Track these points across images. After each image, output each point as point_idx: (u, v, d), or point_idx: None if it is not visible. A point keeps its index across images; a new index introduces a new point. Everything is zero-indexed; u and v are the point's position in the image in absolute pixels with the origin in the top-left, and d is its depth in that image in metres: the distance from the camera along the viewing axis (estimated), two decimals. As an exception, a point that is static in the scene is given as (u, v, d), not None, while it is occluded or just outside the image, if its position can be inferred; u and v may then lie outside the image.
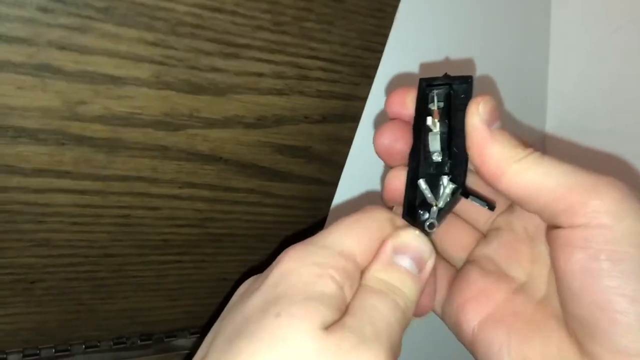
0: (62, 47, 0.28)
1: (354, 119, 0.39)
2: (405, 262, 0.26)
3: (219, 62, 0.32)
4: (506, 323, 0.27)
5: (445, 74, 0.28)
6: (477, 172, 0.27)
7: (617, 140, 0.47)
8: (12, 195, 0.30)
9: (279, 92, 0.35)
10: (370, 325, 0.23)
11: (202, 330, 0.42)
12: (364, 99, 0.39)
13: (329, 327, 0.22)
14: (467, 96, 0.27)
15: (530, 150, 0.26)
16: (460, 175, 0.27)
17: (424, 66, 0.42)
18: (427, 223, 0.27)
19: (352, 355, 0.21)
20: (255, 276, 0.27)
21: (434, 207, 0.27)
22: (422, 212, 0.28)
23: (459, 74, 0.28)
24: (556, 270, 0.25)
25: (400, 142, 0.29)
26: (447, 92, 0.28)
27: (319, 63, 0.36)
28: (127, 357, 0.38)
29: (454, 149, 0.27)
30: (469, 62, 0.45)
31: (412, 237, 0.26)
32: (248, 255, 0.40)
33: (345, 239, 0.25)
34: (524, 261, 0.29)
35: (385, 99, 0.30)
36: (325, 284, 0.23)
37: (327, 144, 0.39)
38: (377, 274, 0.25)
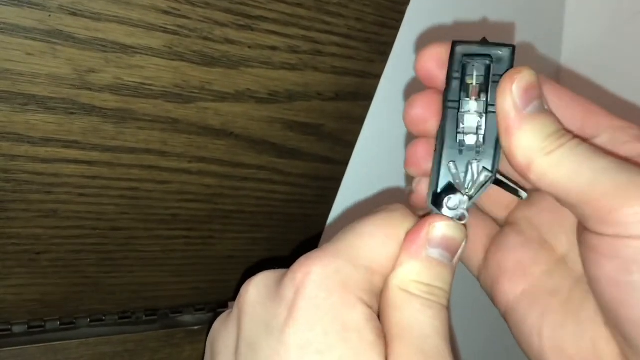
0: (73, 13, 0.27)
1: (367, 97, 0.39)
2: (440, 254, 0.24)
3: (233, 34, 0.32)
4: (541, 303, 0.26)
5: (483, 38, 0.25)
6: (508, 161, 0.25)
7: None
8: (19, 164, 0.30)
9: (293, 67, 0.34)
10: (423, 350, 0.22)
11: (207, 307, 0.42)
12: (378, 77, 0.38)
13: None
14: (507, 68, 0.24)
15: (565, 138, 0.23)
16: (493, 160, 0.25)
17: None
18: (458, 214, 0.25)
19: None
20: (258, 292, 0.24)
21: (464, 196, 0.25)
22: (448, 199, 0.25)
23: (499, 41, 0.25)
24: (586, 274, 0.24)
25: (434, 119, 0.27)
26: (487, 65, 0.25)
27: (334, 38, 0.35)
28: (132, 331, 0.38)
29: (489, 129, 0.25)
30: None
31: (447, 229, 0.24)
32: (256, 233, 0.40)
33: (370, 250, 0.23)
34: (567, 227, 0.27)
35: (415, 57, 0.27)
36: (361, 311, 0.22)
37: (339, 122, 0.38)
38: (414, 275, 0.23)
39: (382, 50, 0.37)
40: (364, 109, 0.39)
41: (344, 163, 0.41)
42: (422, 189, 0.27)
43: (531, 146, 0.23)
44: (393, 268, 0.24)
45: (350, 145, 0.40)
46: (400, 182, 0.45)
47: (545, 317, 0.26)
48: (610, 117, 0.25)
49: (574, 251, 0.26)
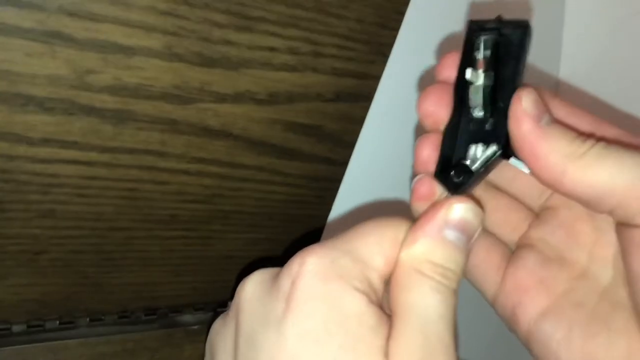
0: (72, 14, 0.27)
1: (367, 98, 0.39)
2: (456, 236, 0.23)
3: (232, 35, 0.32)
4: (567, 316, 0.25)
5: (499, 16, 0.25)
6: (536, 177, 0.24)
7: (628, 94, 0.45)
8: (18, 165, 0.30)
9: (292, 68, 0.34)
10: (424, 333, 0.21)
11: (207, 307, 0.42)
12: (378, 78, 0.38)
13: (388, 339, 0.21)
14: (521, 45, 0.24)
15: (591, 141, 0.23)
16: (503, 134, 0.24)
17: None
18: (459, 185, 0.24)
19: None
20: (258, 283, 0.24)
21: (471, 169, 0.25)
22: (454, 173, 0.25)
23: (515, 18, 0.25)
24: (632, 274, 0.23)
25: (445, 108, 0.26)
26: (495, 39, 0.25)
27: (334, 39, 0.35)
28: (131, 331, 0.38)
29: (500, 103, 0.24)
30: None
31: (466, 211, 0.24)
32: (255, 234, 0.40)
33: (366, 247, 0.23)
34: (586, 242, 0.26)
35: (437, 62, 0.27)
36: (359, 297, 0.22)
37: (339, 123, 0.38)
38: (428, 254, 0.23)
39: (382, 51, 0.37)
40: (364, 110, 0.39)
41: (344, 164, 0.41)
42: (420, 188, 0.26)
43: (561, 152, 0.23)
44: (389, 268, 0.23)
45: (350, 146, 0.40)
46: (401, 183, 0.45)
47: (573, 330, 0.25)
48: (616, 129, 0.25)
49: (595, 265, 0.26)
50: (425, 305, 0.22)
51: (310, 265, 0.22)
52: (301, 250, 0.23)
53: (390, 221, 0.24)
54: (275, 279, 0.23)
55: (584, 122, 0.25)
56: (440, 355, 0.21)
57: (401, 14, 0.37)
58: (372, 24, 0.36)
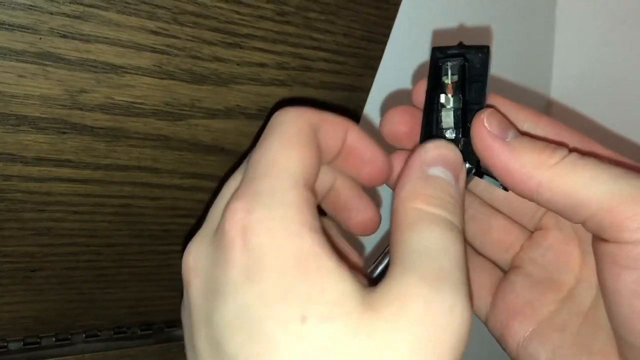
0: (63, 35, 0.28)
1: (357, 110, 0.39)
2: (441, 171, 0.23)
3: (221, 52, 0.32)
4: (552, 340, 0.25)
5: (460, 42, 0.26)
6: (513, 192, 0.24)
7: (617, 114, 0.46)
8: (13, 184, 0.30)
9: (282, 83, 0.35)
10: (420, 271, 0.19)
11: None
12: (367, 91, 0.39)
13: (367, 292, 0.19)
14: (483, 68, 0.26)
15: (563, 150, 0.22)
16: (474, 153, 0.25)
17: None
18: None
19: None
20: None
21: None
22: None
23: (475, 44, 0.26)
24: (603, 288, 0.23)
25: (403, 125, 0.27)
26: (461, 65, 0.26)
27: (322, 54, 0.35)
28: (127, 346, 0.38)
29: (468, 124, 0.26)
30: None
31: (439, 147, 0.23)
32: (249, 247, 0.40)
33: (278, 163, 0.21)
34: (573, 264, 0.26)
35: (412, 89, 0.28)
36: (309, 238, 0.19)
37: (329, 135, 0.39)
38: (419, 189, 0.22)
39: (371, 64, 0.38)
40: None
41: (336, 176, 0.41)
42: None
43: (532, 163, 0.22)
44: (311, 173, 0.22)
45: (341, 158, 0.41)
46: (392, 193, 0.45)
47: (557, 354, 0.25)
48: (604, 149, 0.25)
49: (581, 285, 0.26)
50: (423, 240, 0.20)
51: (245, 222, 0.20)
52: (228, 210, 0.20)
53: (283, 127, 0.23)
54: (213, 242, 0.21)
55: (573, 141, 0.25)
56: (447, 292, 0.19)
57: (388, 27, 0.38)
58: (360, 38, 0.36)
